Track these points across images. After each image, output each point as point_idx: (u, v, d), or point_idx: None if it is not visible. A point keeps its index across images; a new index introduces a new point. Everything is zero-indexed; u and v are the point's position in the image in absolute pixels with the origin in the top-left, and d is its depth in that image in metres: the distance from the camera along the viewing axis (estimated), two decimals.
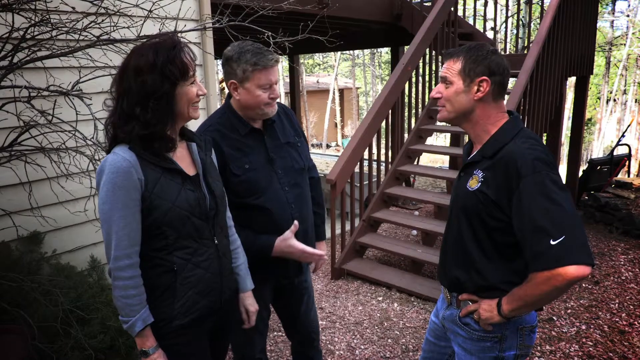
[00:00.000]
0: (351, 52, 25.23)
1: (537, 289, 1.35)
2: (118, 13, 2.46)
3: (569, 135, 7.19)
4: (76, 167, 2.59)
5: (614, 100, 22.23)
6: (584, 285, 4.05)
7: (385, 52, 25.11)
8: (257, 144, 1.89)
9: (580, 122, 6.35)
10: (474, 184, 1.49)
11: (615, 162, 6.43)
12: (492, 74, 1.48)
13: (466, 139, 7.08)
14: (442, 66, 1.58)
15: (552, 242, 1.30)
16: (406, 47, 5.19)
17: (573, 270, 1.28)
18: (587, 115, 17.76)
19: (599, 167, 6.33)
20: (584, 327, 3.39)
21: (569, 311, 3.61)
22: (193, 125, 1.87)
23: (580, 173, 6.41)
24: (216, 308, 1.60)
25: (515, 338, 1.55)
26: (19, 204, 2.65)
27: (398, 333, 3.37)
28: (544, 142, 5.42)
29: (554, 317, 3.52)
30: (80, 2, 2.41)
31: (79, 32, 2.29)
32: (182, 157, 1.53)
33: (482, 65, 1.48)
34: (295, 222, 1.89)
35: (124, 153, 1.39)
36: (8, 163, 2.35)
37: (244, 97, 1.81)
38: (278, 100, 1.90)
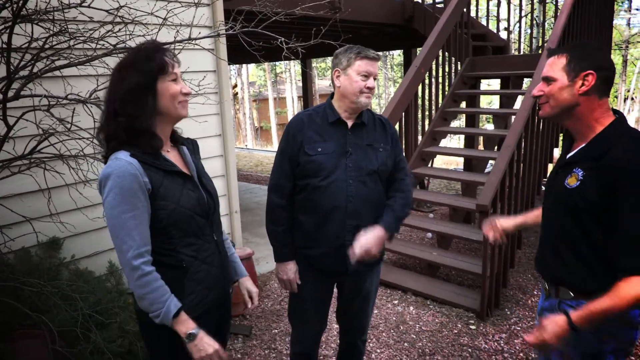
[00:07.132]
0: None
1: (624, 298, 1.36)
2: (134, 22, 2.50)
3: None
4: (94, 173, 2.63)
5: (632, 98, 21.86)
6: None
7: (397, 55, 25.04)
8: (338, 134, 2.06)
9: None
10: (572, 181, 1.51)
11: None
12: (599, 69, 1.48)
13: (480, 140, 7.04)
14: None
15: None
16: (419, 49, 5.17)
17: None
18: None
19: None
20: None
21: None
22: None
23: None
24: (221, 300, 1.70)
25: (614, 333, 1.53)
26: (38, 210, 2.71)
27: (414, 337, 3.35)
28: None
29: None
30: (97, 12, 2.45)
31: (96, 41, 2.33)
32: (176, 161, 1.59)
33: (587, 60, 1.48)
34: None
35: (127, 158, 1.43)
36: (28, 170, 2.40)
37: (344, 83, 2.02)
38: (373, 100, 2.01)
